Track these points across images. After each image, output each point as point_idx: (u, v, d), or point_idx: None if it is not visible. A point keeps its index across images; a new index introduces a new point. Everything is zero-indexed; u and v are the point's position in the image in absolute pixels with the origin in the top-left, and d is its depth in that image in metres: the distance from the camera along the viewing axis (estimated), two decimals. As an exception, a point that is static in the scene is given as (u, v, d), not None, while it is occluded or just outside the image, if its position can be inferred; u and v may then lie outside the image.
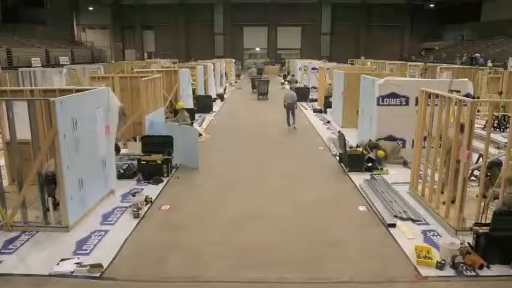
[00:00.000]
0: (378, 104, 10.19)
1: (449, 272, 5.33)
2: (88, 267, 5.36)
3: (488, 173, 6.96)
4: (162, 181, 8.86)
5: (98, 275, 5.29)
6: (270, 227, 6.80)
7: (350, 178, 9.22)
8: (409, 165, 9.09)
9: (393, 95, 10.13)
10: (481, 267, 5.32)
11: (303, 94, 23.03)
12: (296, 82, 28.04)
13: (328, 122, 16.19)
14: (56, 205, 6.55)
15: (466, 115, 6.18)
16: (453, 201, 6.48)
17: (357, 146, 10.79)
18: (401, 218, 6.92)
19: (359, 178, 9.10)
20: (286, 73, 39.39)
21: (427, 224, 6.77)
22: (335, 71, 17.05)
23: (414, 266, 5.46)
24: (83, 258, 5.63)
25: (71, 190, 6.46)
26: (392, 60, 36.46)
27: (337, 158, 10.66)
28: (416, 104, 8.82)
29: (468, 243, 5.62)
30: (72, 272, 5.31)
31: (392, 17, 54.08)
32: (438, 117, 7.03)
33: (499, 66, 26.93)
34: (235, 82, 35.12)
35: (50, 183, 6.52)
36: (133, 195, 7.61)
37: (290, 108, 14.76)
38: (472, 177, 8.28)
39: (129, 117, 10.84)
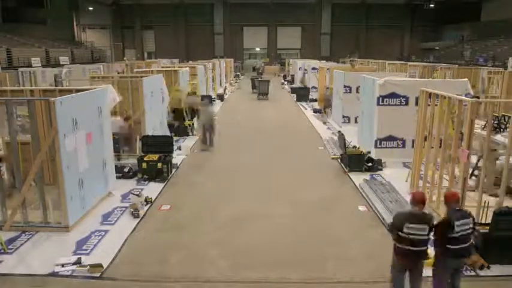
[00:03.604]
0: (378, 104, 10.20)
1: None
2: (88, 267, 5.36)
3: None
4: (166, 179, 8.94)
5: (98, 275, 5.29)
6: (270, 226, 6.80)
7: (350, 178, 9.22)
8: (408, 165, 9.09)
9: (393, 95, 10.14)
10: (481, 267, 5.32)
11: (303, 94, 23.07)
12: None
13: (325, 123, 16.24)
14: None
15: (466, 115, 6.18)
16: None
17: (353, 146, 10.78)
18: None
19: (359, 178, 9.10)
20: (286, 73, 39.37)
21: (427, 224, 6.76)
22: (335, 71, 17.05)
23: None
24: (83, 258, 5.62)
25: (71, 190, 6.46)
26: (391, 60, 36.44)
27: (338, 160, 10.62)
28: (417, 104, 8.83)
29: (471, 242, 5.61)
30: (72, 272, 5.31)
31: (392, 17, 54.07)
32: (438, 117, 7.03)
33: (499, 66, 26.96)
34: (235, 82, 35.09)
35: None
36: (138, 194, 7.58)
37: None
38: (473, 177, 8.28)
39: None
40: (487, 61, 32.03)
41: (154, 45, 56.55)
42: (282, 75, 39.69)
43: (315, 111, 19.00)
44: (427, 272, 4.54)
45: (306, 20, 54.62)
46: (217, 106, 20.79)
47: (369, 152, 10.07)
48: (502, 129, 8.27)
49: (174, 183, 8.95)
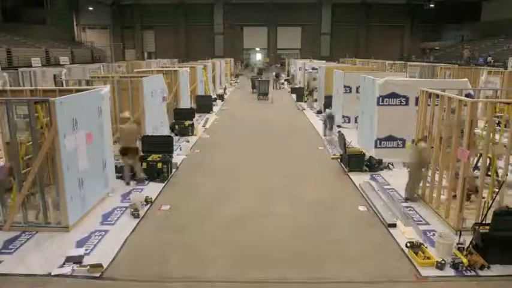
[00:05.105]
0: (378, 104, 10.21)
1: (449, 272, 5.33)
2: (88, 267, 5.36)
3: None
4: (166, 179, 8.95)
5: (98, 275, 5.29)
6: (270, 226, 6.79)
7: (350, 178, 9.21)
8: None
9: (393, 95, 10.15)
10: (481, 267, 5.32)
11: (302, 94, 23.05)
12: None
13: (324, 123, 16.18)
14: None
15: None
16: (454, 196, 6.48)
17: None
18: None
19: (359, 178, 9.10)
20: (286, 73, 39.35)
21: (427, 224, 6.77)
22: (335, 71, 17.05)
23: (414, 266, 5.47)
24: (83, 258, 5.62)
25: (70, 190, 6.46)
26: (391, 60, 36.45)
27: (338, 160, 10.61)
28: (417, 104, 8.83)
29: (471, 242, 5.62)
30: (72, 272, 5.31)
31: (392, 17, 54.05)
32: (439, 117, 7.04)
33: (499, 66, 26.98)
34: (235, 82, 35.08)
35: None
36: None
37: None
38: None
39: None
40: (487, 61, 31.94)
41: (154, 45, 56.56)
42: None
43: (319, 112, 18.76)
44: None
45: (306, 20, 54.60)
46: (217, 106, 20.80)
47: (366, 153, 10.04)
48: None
49: (174, 183, 8.95)
